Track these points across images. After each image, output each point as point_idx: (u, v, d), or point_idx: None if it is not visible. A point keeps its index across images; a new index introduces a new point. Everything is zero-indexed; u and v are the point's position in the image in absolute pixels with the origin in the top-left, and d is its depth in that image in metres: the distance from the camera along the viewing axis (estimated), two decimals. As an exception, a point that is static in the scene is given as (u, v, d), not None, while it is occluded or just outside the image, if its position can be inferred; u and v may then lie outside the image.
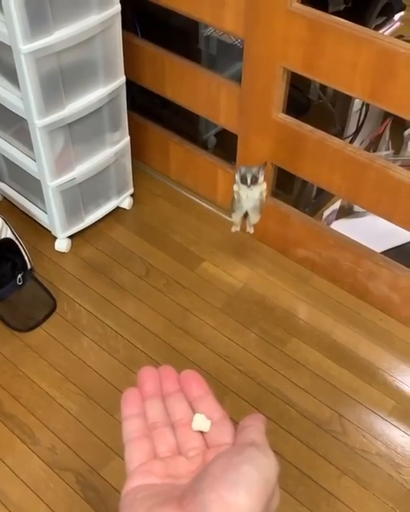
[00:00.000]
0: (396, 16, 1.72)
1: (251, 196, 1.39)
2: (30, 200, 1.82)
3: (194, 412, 0.48)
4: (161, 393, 0.49)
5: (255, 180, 1.34)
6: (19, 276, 1.62)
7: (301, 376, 1.49)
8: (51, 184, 1.59)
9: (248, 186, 1.35)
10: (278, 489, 0.41)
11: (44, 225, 1.78)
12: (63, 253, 1.76)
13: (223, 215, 1.85)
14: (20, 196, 1.83)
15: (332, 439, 1.38)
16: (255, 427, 0.44)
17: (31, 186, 1.73)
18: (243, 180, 1.34)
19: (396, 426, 1.41)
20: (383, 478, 1.32)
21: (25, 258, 1.63)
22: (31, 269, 1.65)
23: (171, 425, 0.48)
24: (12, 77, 1.43)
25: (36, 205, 1.80)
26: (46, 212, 1.72)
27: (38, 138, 1.48)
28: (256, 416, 0.45)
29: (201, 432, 0.47)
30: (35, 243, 1.77)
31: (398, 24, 1.73)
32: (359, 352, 1.54)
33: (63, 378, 1.48)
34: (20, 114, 1.48)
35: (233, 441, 0.45)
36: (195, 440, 0.46)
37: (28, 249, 1.64)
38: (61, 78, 1.41)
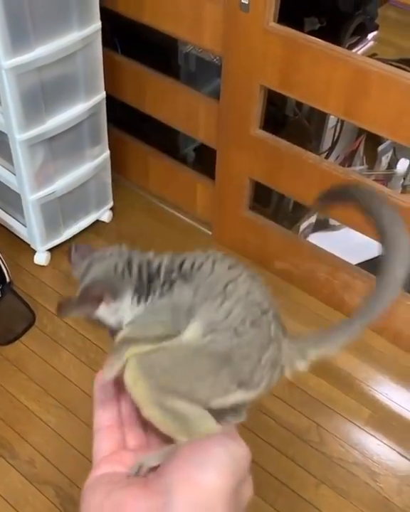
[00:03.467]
0: (370, 36, 1.78)
1: None
2: (9, 213, 1.82)
3: None
4: None
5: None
6: (-2, 289, 1.62)
7: (279, 387, 1.51)
8: (31, 198, 1.60)
9: None
10: (251, 479, 0.40)
11: (23, 238, 1.78)
12: (43, 266, 1.76)
13: (203, 229, 1.88)
14: None
15: (310, 449, 1.40)
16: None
17: (11, 199, 1.73)
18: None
19: (372, 434, 1.43)
20: (360, 487, 1.34)
21: (4, 271, 1.63)
22: (10, 283, 1.65)
23: (143, 422, 0.47)
24: (-7, 91, 1.44)
25: (15, 218, 1.80)
26: (25, 226, 1.73)
27: (18, 152, 1.49)
28: None
29: None
30: (14, 256, 1.77)
31: (371, 43, 1.79)
32: (336, 362, 1.56)
33: (42, 391, 1.47)
34: (0, 129, 1.49)
35: None
36: (166, 438, 0.45)
37: (6, 262, 1.64)
38: (42, 93, 1.43)
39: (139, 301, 0.49)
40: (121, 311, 0.49)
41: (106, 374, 0.46)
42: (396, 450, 1.41)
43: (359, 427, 1.44)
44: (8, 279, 1.64)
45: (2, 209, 1.83)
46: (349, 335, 0.49)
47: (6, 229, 1.83)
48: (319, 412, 1.46)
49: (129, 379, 0.45)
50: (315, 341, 0.48)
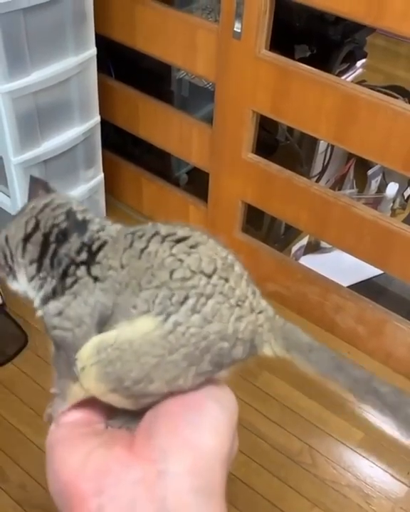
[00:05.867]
0: (359, 63, 1.82)
1: None
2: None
3: None
4: None
5: None
6: (-10, 311, 1.62)
7: (272, 408, 1.51)
8: (25, 219, 1.61)
9: None
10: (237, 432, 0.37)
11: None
12: (35, 288, 1.76)
13: (195, 251, 1.89)
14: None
15: (303, 471, 1.40)
16: None
17: (4, 221, 1.74)
18: None
19: (364, 457, 1.43)
20: (353, 509, 1.34)
21: (-3, 293, 1.63)
22: (3, 304, 1.65)
23: None
24: (-11, 115, 1.46)
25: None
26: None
27: (13, 174, 1.51)
28: None
29: None
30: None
31: (360, 70, 1.83)
32: (328, 384, 1.56)
33: (34, 414, 1.47)
34: (-5, 151, 1.51)
35: None
36: None
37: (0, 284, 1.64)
38: (37, 117, 1.45)
39: (40, 287, 0.40)
40: (26, 292, 0.42)
41: (57, 407, 0.39)
42: (388, 472, 1.41)
43: (352, 449, 1.44)
44: (1, 301, 1.64)
45: (-5, 231, 1.84)
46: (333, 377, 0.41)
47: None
48: (311, 434, 1.46)
49: (95, 391, 0.37)
50: (302, 352, 0.41)
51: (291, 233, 1.89)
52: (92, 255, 0.39)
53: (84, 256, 0.39)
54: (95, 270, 0.38)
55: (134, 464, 0.32)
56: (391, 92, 1.73)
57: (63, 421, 0.37)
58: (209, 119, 1.58)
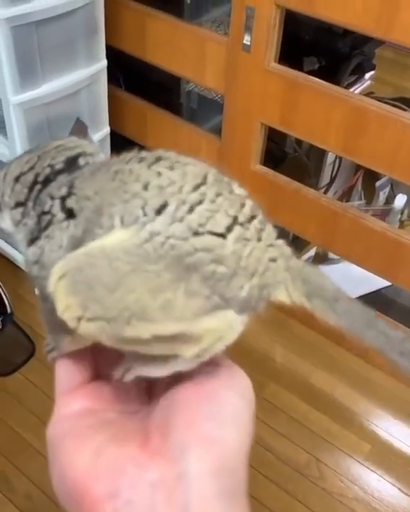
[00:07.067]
0: (367, 75, 1.83)
1: None
2: (10, 244, 1.84)
3: None
4: None
5: None
6: (-2, 320, 1.62)
7: (279, 420, 1.50)
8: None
9: None
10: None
11: (24, 268, 1.79)
12: (44, 297, 1.77)
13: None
14: (0, 240, 1.85)
15: (310, 484, 1.39)
16: None
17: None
18: None
19: (372, 470, 1.42)
20: (360, 524, 1.33)
21: (5, 302, 1.64)
22: (11, 313, 1.65)
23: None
24: (0, 126, 1.48)
25: (15, 248, 1.82)
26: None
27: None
28: None
29: None
30: (16, 287, 1.78)
31: (368, 82, 1.84)
32: (336, 396, 1.56)
33: (41, 424, 1.46)
34: (5, 162, 1.52)
35: None
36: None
37: (8, 292, 1.65)
38: (48, 128, 1.46)
39: (17, 226, 0.37)
40: (14, 234, 0.38)
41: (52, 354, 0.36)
42: (396, 486, 1.39)
43: (359, 462, 1.43)
44: (9, 310, 1.64)
45: (2, 239, 1.85)
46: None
47: (7, 259, 1.84)
48: (319, 447, 1.45)
49: (68, 313, 0.32)
50: (326, 300, 0.35)
51: (299, 244, 1.89)
52: (71, 188, 0.34)
53: (64, 191, 0.34)
54: (71, 202, 0.34)
55: (151, 463, 0.28)
56: (399, 104, 1.73)
57: (64, 413, 0.34)
58: (218, 131, 1.59)
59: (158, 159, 0.33)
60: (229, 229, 0.31)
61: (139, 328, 0.30)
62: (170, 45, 1.54)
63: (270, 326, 1.72)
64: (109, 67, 1.54)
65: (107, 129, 1.63)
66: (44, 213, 0.35)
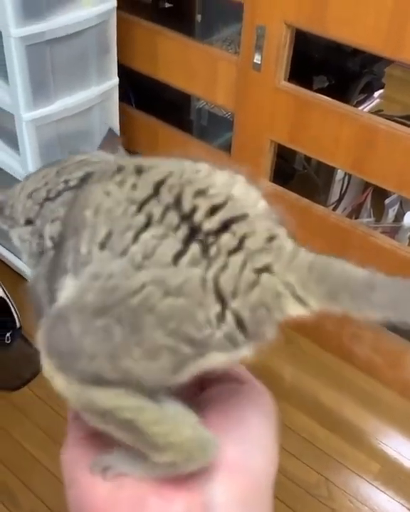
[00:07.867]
0: (376, 93, 1.84)
1: None
2: (18, 256, 1.84)
3: None
4: None
5: None
6: (7, 334, 1.62)
7: (288, 440, 1.49)
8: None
9: None
10: None
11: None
12: (52, 312, 1.77)
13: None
14: (8, 252, 1.86)
15: (319, 504, 1.37)
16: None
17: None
18: None
19: (382, 491, 1.40)
20: (370, 545, 1.31)
21: (15, 316, 1.64)
22: (20, 328, 1.66)
23: None
24: (12, 142, 1.49)
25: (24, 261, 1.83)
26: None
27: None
28: None
29: None
30: (24, 301, 1.78)
31: (377, 100, 1.85)
32: (345, 415, 1.55)
33: (48, 439, 1.46)
34: (18, 178, 1.54)
35: None
36: None
37: (17, 306, 1.65)
38: (59, 145, 1.48)
39: (23, 244, 0.36)
40: (21, 251, 0.37)
41: None
42: (406, 507, 1.37)
43: (369, 482, 1.41)
44: (18, 325, 1.65)
45: (10, 251, 1.86)
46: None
47: (17, 274, 1.85)
48: (328, 466, 1.44)
49: (48, 373, 0.31)
50: (359, 294, 0.28)
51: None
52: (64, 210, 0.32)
53: (60, 212, 0.32)
54: (53, 229, 0.32)
55: (175, 495, 0.27)
56: (408, 122, 1.74)
57: (78, 435, 0.32)
58: (228, 148, 1.60)
59: (119, 170, 0.30)
60: (180, 253, 0.26)
61: (102, 397, 0.28)
62: (181, 63, 1.56)
63: (279, 344, 1.70)
64: (120, 85, 1.56)
65: (117, 146, 1.65)
66: (41, 237, 0.33)
